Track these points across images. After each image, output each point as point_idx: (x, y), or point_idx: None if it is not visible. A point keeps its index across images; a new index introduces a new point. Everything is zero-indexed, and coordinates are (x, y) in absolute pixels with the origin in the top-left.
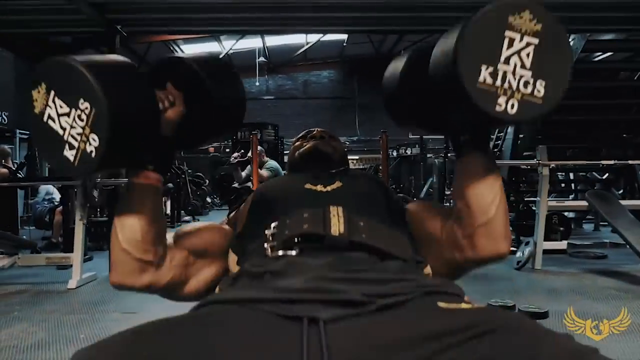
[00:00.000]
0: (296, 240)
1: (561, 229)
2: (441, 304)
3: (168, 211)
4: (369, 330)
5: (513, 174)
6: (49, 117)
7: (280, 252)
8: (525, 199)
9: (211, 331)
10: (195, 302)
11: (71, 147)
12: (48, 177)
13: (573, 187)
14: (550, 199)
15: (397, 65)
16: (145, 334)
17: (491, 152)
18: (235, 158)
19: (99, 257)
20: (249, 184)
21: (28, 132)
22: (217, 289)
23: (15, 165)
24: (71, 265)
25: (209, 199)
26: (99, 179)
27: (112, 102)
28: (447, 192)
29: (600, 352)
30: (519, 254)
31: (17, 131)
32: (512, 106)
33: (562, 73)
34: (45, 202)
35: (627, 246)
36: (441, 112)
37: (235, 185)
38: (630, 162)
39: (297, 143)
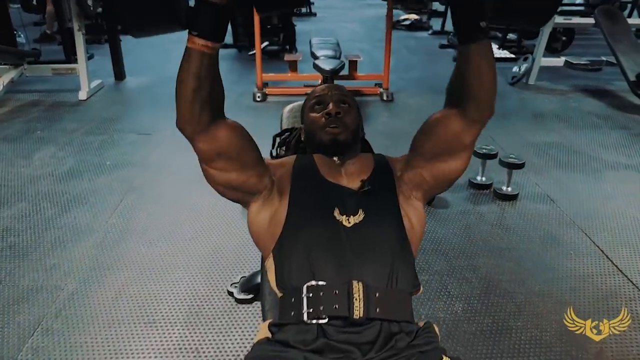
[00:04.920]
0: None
1: (563, 38)
2: None
3: None
4: None
5: None
6: None
7: (314, 321)
8: None
9: None
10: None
11: None
12: None
13: None
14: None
15: None
16: None
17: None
18: None
19: (100, 54)
20: None
21: None
22: (266, 322)
23: None
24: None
25: None
26: None
27: None
28: None
29: None
30: (515, 68)
31: None
32: None
33: None
34: None
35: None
36: None
37: None
38: None
39: (314, 115)
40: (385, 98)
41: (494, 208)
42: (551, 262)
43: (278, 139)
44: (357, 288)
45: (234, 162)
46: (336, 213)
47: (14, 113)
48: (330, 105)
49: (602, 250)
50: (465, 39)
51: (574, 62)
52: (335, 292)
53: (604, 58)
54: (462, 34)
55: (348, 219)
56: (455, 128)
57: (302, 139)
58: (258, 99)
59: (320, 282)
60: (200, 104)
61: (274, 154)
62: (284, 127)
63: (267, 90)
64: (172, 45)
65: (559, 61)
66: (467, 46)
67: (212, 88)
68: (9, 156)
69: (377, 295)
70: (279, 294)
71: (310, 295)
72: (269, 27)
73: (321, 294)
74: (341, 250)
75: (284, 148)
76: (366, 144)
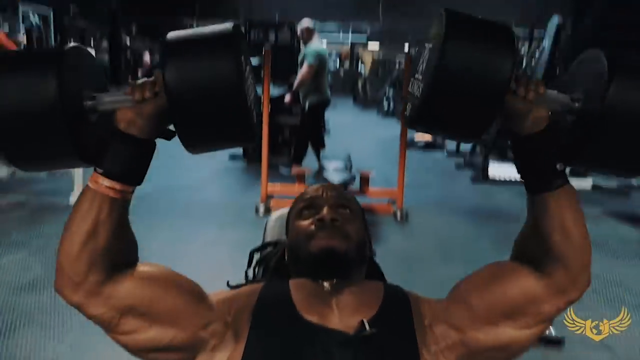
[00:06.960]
0: None
1: None
2: None
3: None
4: None
5: None
6: None
7: None
8: None
9: None
10: None
11: None
12: None
13: None
14: None
15: None
16: None
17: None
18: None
19: None
20: None
21: None
22: None
23: None
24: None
25: None
26: None
27: None
28: None
29: None
30: None
31: None
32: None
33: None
34: None
35: None
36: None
37: None
38: None
39: (301, 223)
40: (399, 218)
41: (537, 356)
42: None
43: (257, 255)
44: None
45: (148, 318)
46: None
47: None
48: (325, 210)
49: None
50: (538, 187)
51: (604, 185)
52: None
53: (635, 184)
54: (533, 182)
55: None
56: (531, 292)
57: (286, 258)
58: (261, 214)
59: None
60: (90, 260)
61: (250, 275)
62: (268, 239)
63: (272, 203)
64: (180, 152)
65: (586, 184)
66: (541, 195)
67: (113, 239)
68: None
69: None
70: None
71: None
72: (280, 141)
73: None
74: None
75: (262, 268)
76: (375, 268)
